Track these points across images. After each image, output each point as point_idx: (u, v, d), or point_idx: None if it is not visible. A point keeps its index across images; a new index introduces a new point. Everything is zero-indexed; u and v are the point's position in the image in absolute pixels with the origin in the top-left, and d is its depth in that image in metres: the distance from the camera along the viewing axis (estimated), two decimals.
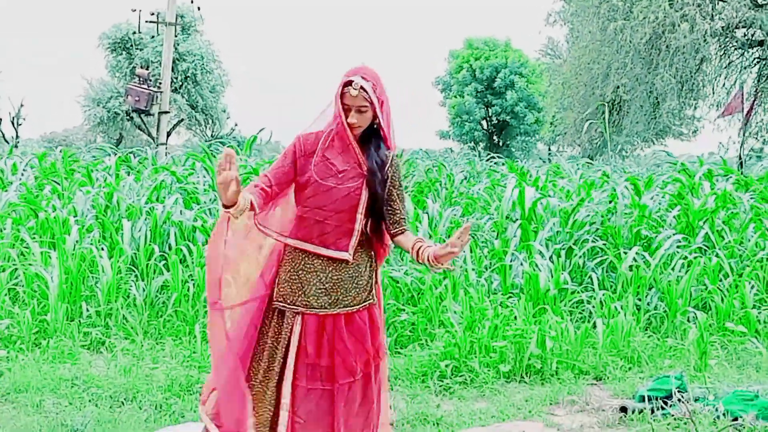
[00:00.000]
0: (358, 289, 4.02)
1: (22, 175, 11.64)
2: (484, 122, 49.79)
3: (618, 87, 26.58)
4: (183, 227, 9.08)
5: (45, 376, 6.26)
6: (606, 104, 23.17)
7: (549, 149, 51.80)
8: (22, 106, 46.66)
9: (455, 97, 49.07)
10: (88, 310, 7.67)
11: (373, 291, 4.10)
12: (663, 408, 5.81)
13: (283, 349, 3.99)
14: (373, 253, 4.12)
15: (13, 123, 46.57)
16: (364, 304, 4.05)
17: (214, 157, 12.22)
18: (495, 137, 49.63)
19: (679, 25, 24.41)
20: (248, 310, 4.10)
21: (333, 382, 3.96)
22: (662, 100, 26.71)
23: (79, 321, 7.53)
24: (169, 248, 8.78)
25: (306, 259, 4.01)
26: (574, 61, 28.53)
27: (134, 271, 8.41)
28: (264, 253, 4.18)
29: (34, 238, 8.60)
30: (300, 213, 4.04)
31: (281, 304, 4.03)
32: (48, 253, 8.15)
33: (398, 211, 4.00)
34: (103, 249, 8.43)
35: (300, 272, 4.02)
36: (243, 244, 4.12)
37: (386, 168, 3.99)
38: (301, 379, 3.95)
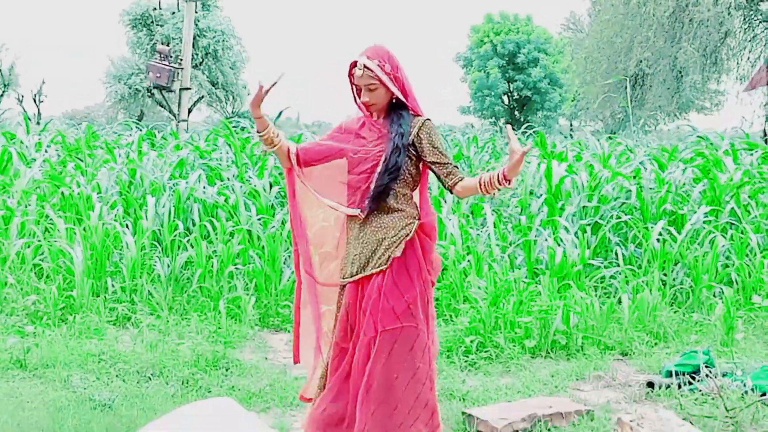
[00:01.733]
0: (384, 250, 4.15)
1: (46, 152, 11.66)
2: (505, 97, 49.47)
3: (641, 61, 26.32)
4: (206, 203, 9.08)
5: (72, 351, 6.30)
6: (627, 78, 22.96)
7: (571, 124, 51.45)
8: (43, 83, 46.93)
9: (477, 71, 48.75)
10: (113, 286, 7.71)
11: (398, 249, 4.17)
12: (690, 383, 5.79)
13: (334, 321, 4.33)
14: (415, 222, 4.22)
15: (35, 100, 46.82)
16: (388, 261, 4.15)
17: (237, 132, 12.21)
18: (516, 113, 49.34)
19: None
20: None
21: (358, 338, 4.17)
22: (685, 73, 26.44)
23: (105, 297, 7.58)
24: (193, 224, 8.79)
25: (350, 228, 4.27)
26: (597, 35, 28.25)
27: (158, 247, 8.43)
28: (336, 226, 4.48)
29: (58, 214, 8.62)
30: (348, 188, 4.28)
31: (341, 279, 4.32)
32: (73, 230, 8.17)
33: (446, 165, 4.15)
34: (127, 225, 8.46)
35: (348, 244, 4.28)
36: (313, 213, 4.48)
37: (409, 134, 4.14)
38: (341, 340, 4.24)
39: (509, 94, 49.22)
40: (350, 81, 4.22)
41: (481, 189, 4.04)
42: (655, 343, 7.04)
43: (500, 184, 3.95)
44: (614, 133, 26.31)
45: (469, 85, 49.99)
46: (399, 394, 4.07)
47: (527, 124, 20.92)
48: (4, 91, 47.17)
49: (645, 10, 25.07)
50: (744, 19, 26.71)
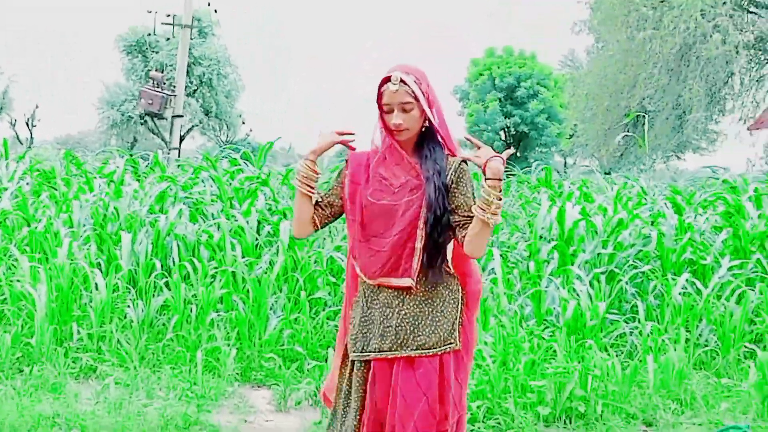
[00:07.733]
0: (433, 328, 3.36)
1: (21, 180, 10.83)
2: (502, 133, 48.89)
3: (644, 98, 25.81)
4: (187, 241, 8.31)
5: (23, 412, 5.49)
6: (645, 114, 22.42)
7: (565, 162, 50.97)
8: (37, 107, 46.50)
9: (474, 104, 48.18)
10: (78, 333, 6.91)
11: (456, 334, 3.40)
12: None
13: (357, 404, 3.44)
14: (460, 290, 3.45)
15: (27, 125, 46.33)
16: (442, 348, 3.37)
17: (226, 159, 11.46)
18: (513, 148, 48.73)
19: (710, 36, 23.61)
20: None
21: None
22: (689, 112, 25.91)
23: (68, 345, 6.76)
24: (173, 264, 8.02)
25: (372, 293, 3.42)
26: (599, 72, 27.75)
27: (132, 290, 7.64)
28: None
29: (24, 250, 7.85)
30: (358, 243, 3.43)
31: (352, 353, 3.46)
32: (37, 268, 7.38)
33: (467, 217, 3.31)
34: (99, 264, 7.68)
35: (369, 310, 3.42)
36: None
37: (446, 174, 3.34)
38: None
39: (506, 129, 48.61)
40: (378, 102, 3.38)
41: (480, 213, 3.21)
42: (682, 412, 6.29)
43: (484, 209, 3.18)
44: (609, 172, 25.69)
45: (466, 119, 49.43)
46: None
47: (525, 161, 20.29)
48: None
49: (651, 47, 24.57)
50: (751, 59, 26.21)
